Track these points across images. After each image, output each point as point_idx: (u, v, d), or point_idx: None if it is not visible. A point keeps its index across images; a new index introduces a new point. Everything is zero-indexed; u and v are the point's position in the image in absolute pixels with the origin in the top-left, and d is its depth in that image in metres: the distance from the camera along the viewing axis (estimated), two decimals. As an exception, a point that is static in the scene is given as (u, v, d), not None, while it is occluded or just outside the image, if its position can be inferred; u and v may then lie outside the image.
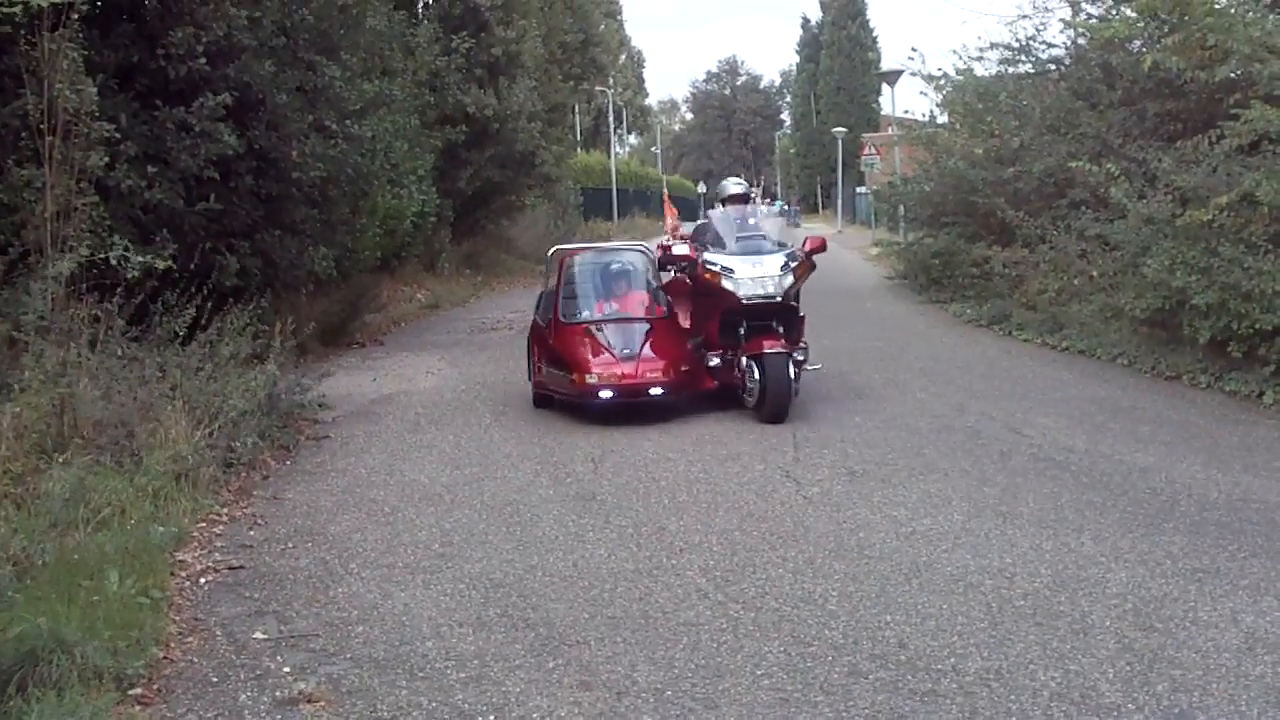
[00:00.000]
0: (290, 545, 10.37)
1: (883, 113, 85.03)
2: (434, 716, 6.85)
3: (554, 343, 15.93)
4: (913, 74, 32.66)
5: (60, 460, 10.31)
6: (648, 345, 15.48)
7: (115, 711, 6.69)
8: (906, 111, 45.30)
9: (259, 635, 8.23)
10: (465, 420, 15.79)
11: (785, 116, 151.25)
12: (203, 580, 9.42)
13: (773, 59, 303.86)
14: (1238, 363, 16.04)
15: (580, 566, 9.55)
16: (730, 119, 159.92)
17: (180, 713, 6.96)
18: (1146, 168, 19.11)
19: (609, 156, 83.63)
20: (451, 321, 28.76)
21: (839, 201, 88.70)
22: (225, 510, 11.30)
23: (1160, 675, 7.06)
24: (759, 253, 15.38)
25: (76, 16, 13.19)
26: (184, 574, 9.47)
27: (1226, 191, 16.08)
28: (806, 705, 6.82)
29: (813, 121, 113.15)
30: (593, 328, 15.78)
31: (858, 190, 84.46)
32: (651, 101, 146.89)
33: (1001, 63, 28.67)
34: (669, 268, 16.86)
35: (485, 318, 29.12)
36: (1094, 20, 24.22)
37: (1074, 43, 26.43)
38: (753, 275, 15.04)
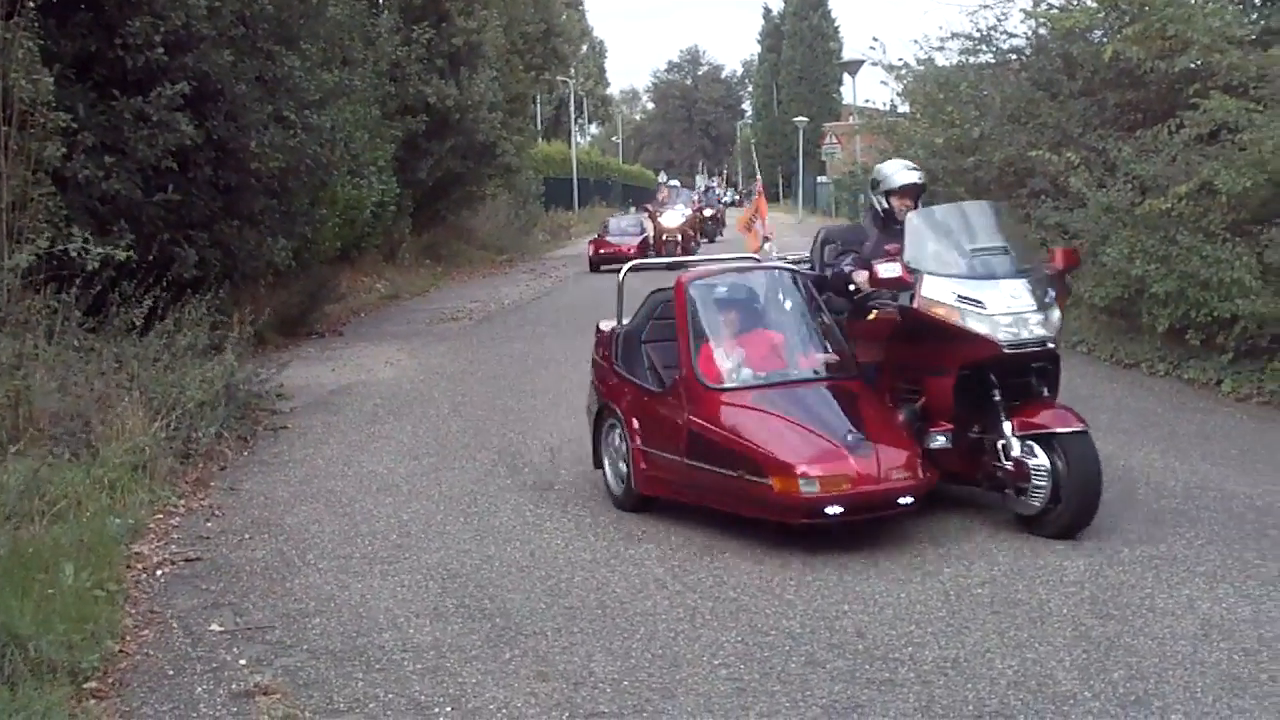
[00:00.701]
0: (247, 537, 10.35)
1: (844, 102, 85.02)
2: (391, 708, 6.83)
3: (701, 420, 10.10)
4: (874, 64, 32.64)
5: (15, 452, 10.25)
6: (866, 425, 9.98)
7: (69, 705, 6.65)
8: (868, 101, 45.29)
9: (215, 627, 8.21)
10: (423, 411, 15.78)
11: (747, 106, 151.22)
12: (159, 572, 9.40)
13: (734, 49, 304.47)
14: (1196, 351, 16.11)
15: (537, 556, 9.55)
16: (692, 109, 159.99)
17: (136, 706, 6.92)
18: (1106, 157, 19.12)
19: (570, 147, 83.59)
20: (411, 312, 28.76)
21: (800, 191, 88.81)
22: (182, 502, 11.28)
23: (1117, 663, 7.07)
24: (995, 275, 10.35)
25: (32, 5, 13.16)
26: (140, 566, 9.45)
27: (1185, 181, 16.12)
28: (764, 695, 6.82)
29: (774, 111, 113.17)
30: (760, 395, 10.22)
31: (819, 179, 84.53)
32: (613, 91, 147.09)
33: (962, 53, 28.63)
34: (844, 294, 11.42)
35: (445, 308, 29.13)
36: (1055, 10, 24.22)
37: (1035, 33, 26.40)
38: (1011, 310, 10.05)
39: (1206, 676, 6.84)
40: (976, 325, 10.06)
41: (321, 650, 7.74)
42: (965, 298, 10.16)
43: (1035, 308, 10.14)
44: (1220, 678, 6.82)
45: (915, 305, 10.40)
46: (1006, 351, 10.00)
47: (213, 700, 7.01)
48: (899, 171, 11.85)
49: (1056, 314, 10.40)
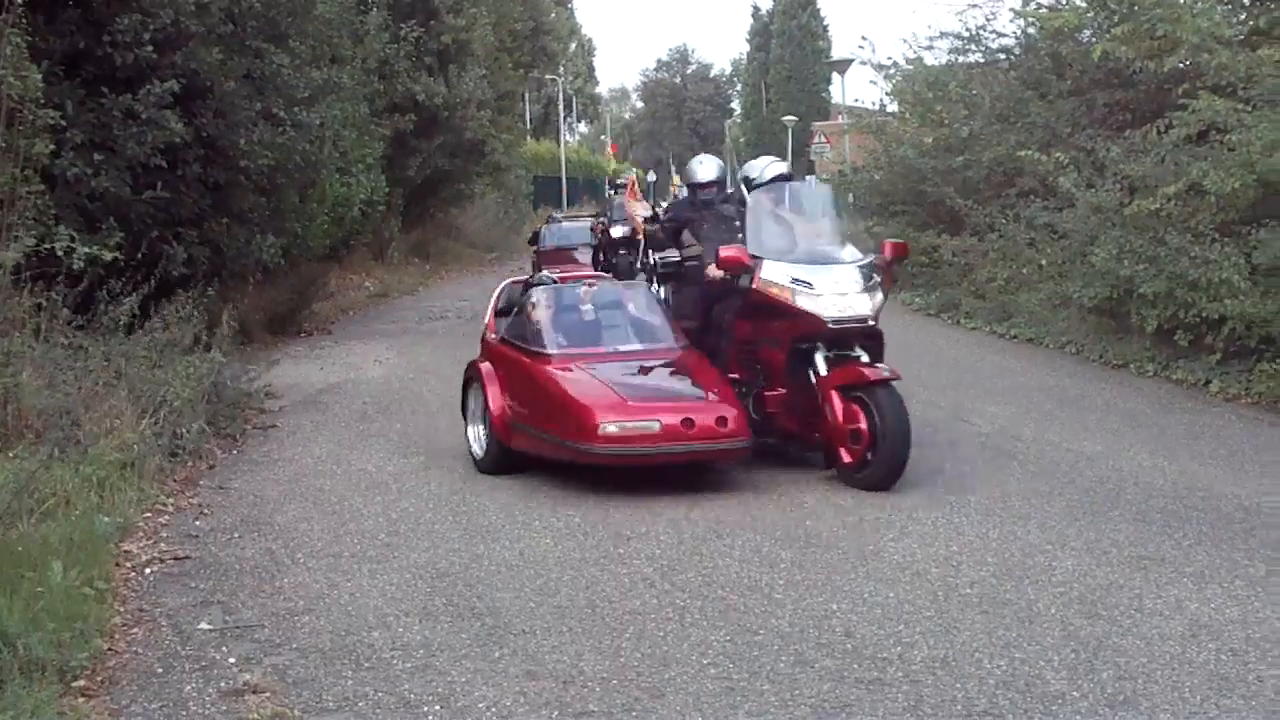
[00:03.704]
0: (236, 535, 10.32)
1: (833, 101, 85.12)
2: (380, 706, 6.82)
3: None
4: (863, 63, 32.70)
5: (13, 456, 10.23)
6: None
7: (58, 704, 6.62)
8: (856, 100, 45.26)
9: (204, 626, 8.19)
10: (413, 409, 15.76)
11: (735, 105, 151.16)
12: (148, 571, 9.37)
13: (723, 48, 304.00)
14: (1184, 351, 16.14)
15: (527, 555, 9.53)
16: (680, 107, 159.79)
17: (124, 704, 6.91)
18: (1095, 157, 19.16)
19: (559, 145, 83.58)
20: (400, 310, 28.75)
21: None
22: (171, 500, 11.25)
23: (1105, 663, 7.08)
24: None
25: (20, 1, 13.11)
26: (129, 565, 9.42)
27: (1174, 181, 16.17)
28: (753, 694, 6.82)
29: (763, 110, 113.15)
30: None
31: (808, 178, 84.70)
32: (602, 89, 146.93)
33: (951, 52, 28.71)
34: None
35: (434, 306, 29.11)
36: (1044, 10, 24.28)
37: (1024, 32, 26.49)
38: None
39: (1194, 676, 6.85)
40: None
41: (311, 648, 7.73)
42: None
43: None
44: (1208, 678, 6.84)
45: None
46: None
47: (202, 698, 7.00)
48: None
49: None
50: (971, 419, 14.12)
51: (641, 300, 13.24)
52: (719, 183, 14.43)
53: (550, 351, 12.13)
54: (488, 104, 41.06)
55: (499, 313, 13.53)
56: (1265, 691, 6.65)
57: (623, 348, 12.55)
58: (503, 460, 12.13)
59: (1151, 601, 8.12)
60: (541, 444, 11.72)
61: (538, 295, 12.83)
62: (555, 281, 13.39)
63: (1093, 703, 6.56)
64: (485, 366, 12.71)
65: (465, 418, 12.92)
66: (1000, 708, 6.55)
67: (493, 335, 13.23)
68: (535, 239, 32.94)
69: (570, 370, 11.83)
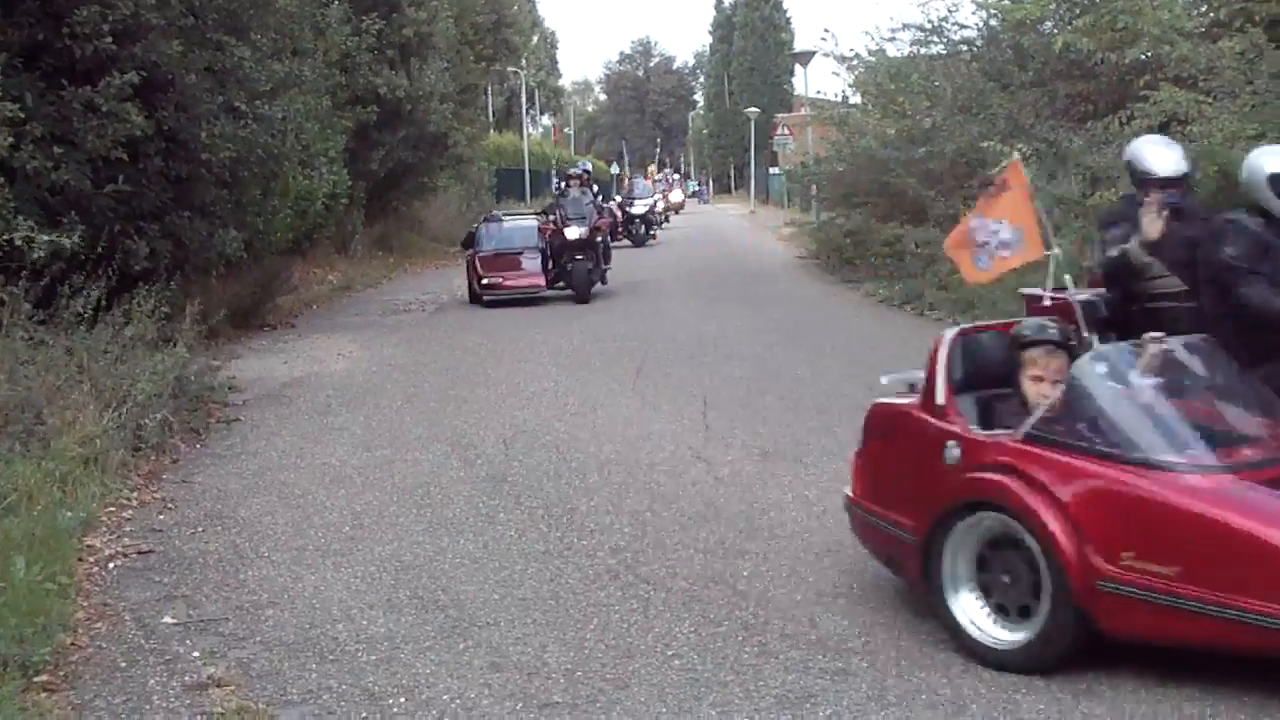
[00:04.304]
0: (200, 529, 10.30)
1: (796, 93, 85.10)
2: (344, 699, 6.82)
3: None
4: (826, 55, 32.74)
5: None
6: None
7: (20, 699, 6.61)
8: (819, 92, 45.16)
9: (168, 620, 8.18)
10: (376, 402, 15.72)
11: (699, 97, 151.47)
12: (111, 565, 9.35)
13: (686, 40, 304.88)
14: (1148, 342, 16.15)
15: (491, 548, 9.54)
16: (643, 100, 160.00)
17: (88, 699, 6.90)
18: (1057, 148, 19.22)
19: (522, 138, 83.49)
20: (363, 303, 28.64)
21: (752, 182, 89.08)
22: (134, 494, 11.21)
23: (1068, 651, 7.10)
24: None
25: (-23, -6, 13.07)
26: (92, 559, 9.39)
27: (1136, 172, 16.22)
28: (716, 685, 6.83)
29: (726, 102, 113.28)
30: None
31: (770, 171, 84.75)
32: (565, 82, 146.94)
33: (914, 43, 28.77)
34: None
35: (397, 299, 28.99)
36: (1005, 1, 24.34)
37: (986, 24, 26.55)
38: None
39: (1156, 664, 6.86)
40: None
41: (275, 642, 7.73)
42: None
43: None
44: (1170, 665, 6.85)
45: None
46: None
47: (166, 692, 6.99)
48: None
49: None
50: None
51: (1228, 364, 7.69)
52: (1185, 179, 9.25)
53: (1177, 461, 6.75)
54: (450, 97, 41.03)
55: (959, 387, 7.90)
56: (1226, 680, 6.67)
57: (1262, 452, 7.05)
58: (1072, 647, 6.86)
59: (1114, 590, 8.14)
60: (1223, 629, 6.33)
61: (1087, 367, 7.36)
62: (1066, 334, 7.92)
63: (1056, 691, 6.59)
64: (1018, 489, 6.96)
65: (936, 578, 7.38)
66: (964, 697, 6.57)
67: (978, 431, 7.54)
68: (470, 241, 28.98)
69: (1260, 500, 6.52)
